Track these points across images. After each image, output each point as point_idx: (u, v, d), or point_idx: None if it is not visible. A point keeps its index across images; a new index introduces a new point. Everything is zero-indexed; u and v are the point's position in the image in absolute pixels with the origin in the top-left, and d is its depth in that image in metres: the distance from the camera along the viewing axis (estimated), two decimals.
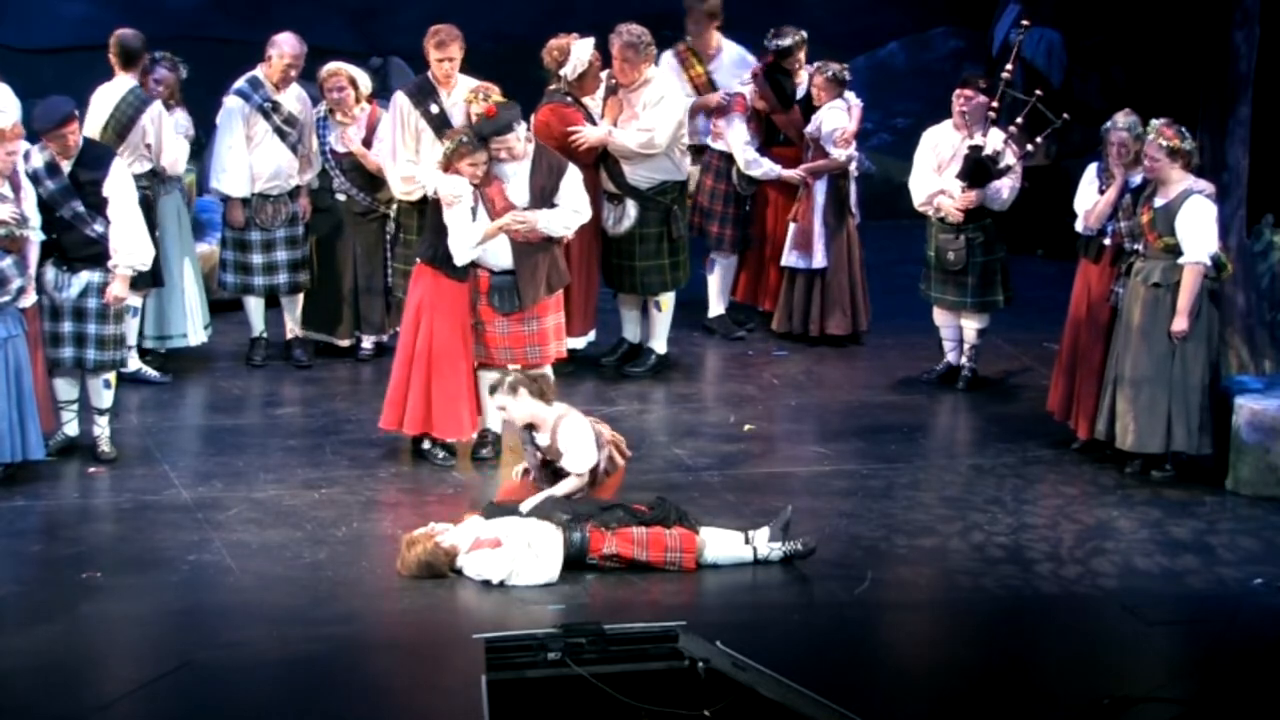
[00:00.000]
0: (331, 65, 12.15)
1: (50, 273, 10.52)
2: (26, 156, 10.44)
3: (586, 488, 9.83)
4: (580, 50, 11.82)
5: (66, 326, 10.58)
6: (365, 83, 12.20)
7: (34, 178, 10.40)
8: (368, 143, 12.04)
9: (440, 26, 11.52)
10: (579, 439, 9.84)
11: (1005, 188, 11.84)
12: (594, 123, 11.93)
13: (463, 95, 11.28)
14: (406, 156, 11.48)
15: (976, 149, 11.72)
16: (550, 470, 9.89)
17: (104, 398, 10.76)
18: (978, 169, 11.73)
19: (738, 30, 13.17)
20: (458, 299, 10.61)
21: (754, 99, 12.82)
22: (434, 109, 11.46)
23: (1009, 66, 11.95)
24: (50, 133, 10.42)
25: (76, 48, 14.32)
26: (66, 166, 10.48)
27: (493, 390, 9.98)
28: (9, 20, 14.63)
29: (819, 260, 12.84)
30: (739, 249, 13.10)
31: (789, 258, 12.97)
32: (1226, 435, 10.69)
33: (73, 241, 10.50)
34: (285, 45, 12.06)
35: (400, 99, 11.55)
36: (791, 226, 12.96)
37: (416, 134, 11.47)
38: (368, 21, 15.23)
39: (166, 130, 11.70)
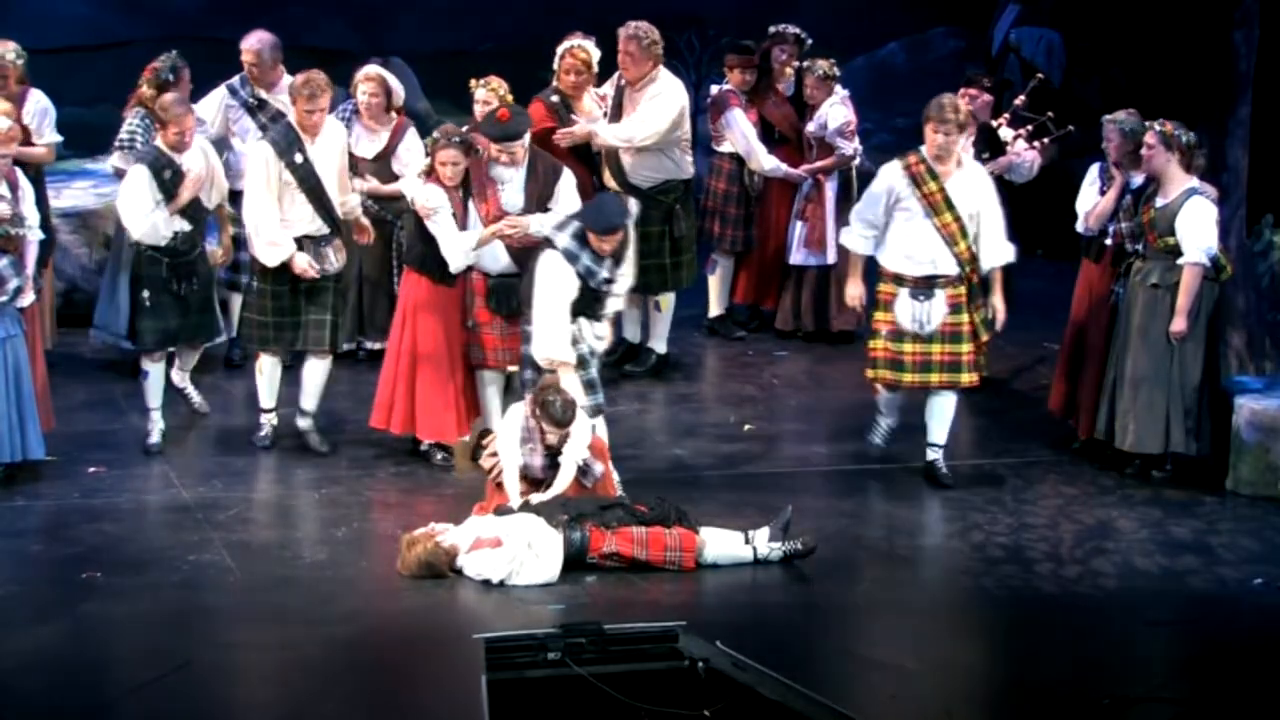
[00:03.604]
0: (369, 70, 12.00)
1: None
2: (573, 258, 10.03)
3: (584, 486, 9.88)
4: (563, 45, 11.87)
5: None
6: (398, 94, 12.03)
7: (588, 273, 10.06)
8: (389, 151, 11.96)
9: (313, 76, 10.74)
10: (586, 425, 9.91)
11: (1029, 160, 11.86)
12: (568, 123, 11.90)
13: (328, 142, 10.81)
14: (270, 214, 10.68)
15: (987, 125, 11.80)
16: (551, 461, 9.88)
17: None
18: (991, 137, 11.77)
19: (737, 30, 13.19)
20: (444, 303, 10.62)
21: (737, 85, 12.85)
22: (299, 159, 10.72)
23: (1022, 97, 12.02)
24: (603, 237, 10.02)
25: (76, 48, 14.34)
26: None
27: (565, 423, 9.72)
28: (9, 20, 14.65)
29: (832, 257, 12.88)
30: (744, 249, 13.11)
31: (797, 256, 12.99)
32: (1226, 435, 10.70)
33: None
34: (243, 43, 12.07)
35: (265, 150, 10.78)
36: (798, 225, 12.98)
37: (280, 186, 10.74)
38: (368, 22, 15.24)
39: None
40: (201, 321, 11.09)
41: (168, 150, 10.75)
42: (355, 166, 12.00)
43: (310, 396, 11.01)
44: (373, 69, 12.00)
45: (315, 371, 10.98)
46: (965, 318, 10.49)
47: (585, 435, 9.88)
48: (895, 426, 10.92)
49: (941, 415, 10.69)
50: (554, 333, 10.11)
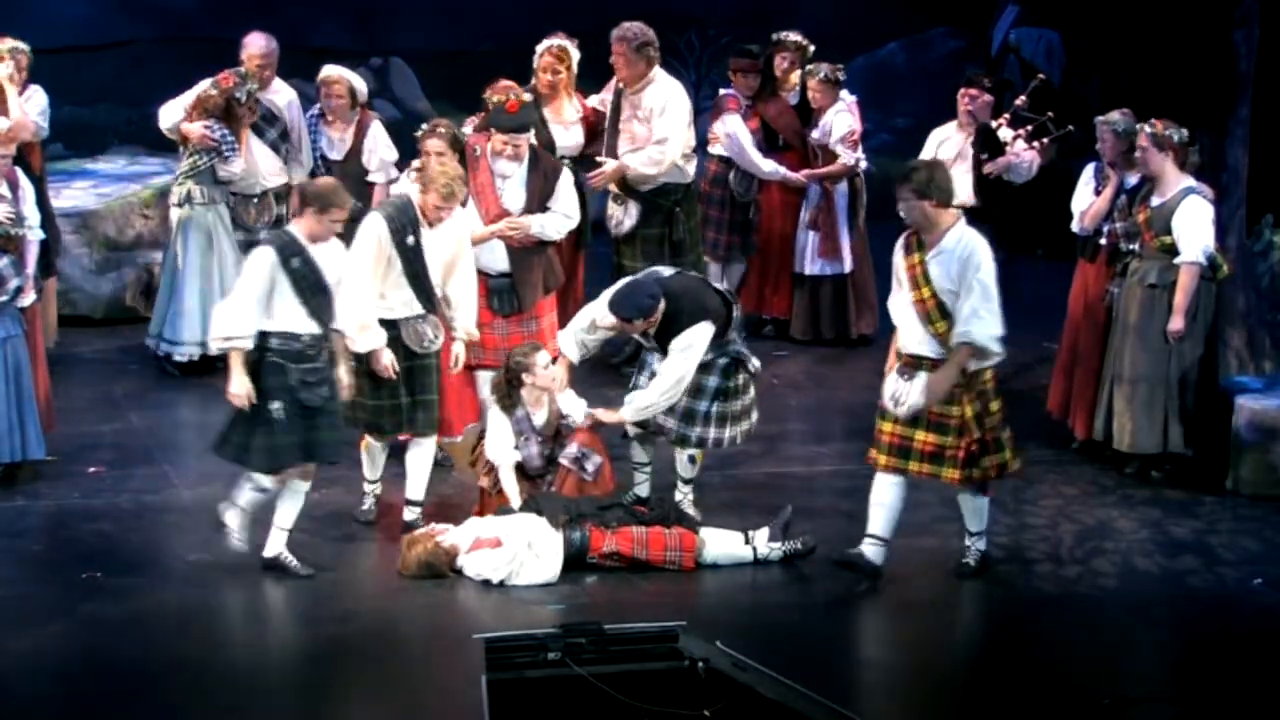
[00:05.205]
0: (331, 72, 12.02)
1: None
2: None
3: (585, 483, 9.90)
4: (542, 44, 11.89)
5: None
6: (362, 91, 12.07)
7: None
8: (356, 149, 11.96)
9: (454, 176, 9.81)
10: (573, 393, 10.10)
11: (1028, 160, 11.88)
12: (538, 115, 11.87)
13: (447, 229, 9.99)
14: (368, 294, 9.75)
15: (987, 126, 11.83)
16: (548, 456, 9.92)
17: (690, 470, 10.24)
18: (989, 138, 11.78)
19: (737, 29, 13.19)
20: None
21: (741, 89, 12.86)
22: (410, 241, 9.87)
23: (1022, 97, 12.04)
24: (622, 322, 9.80)
25: (76, 48, 14.30)
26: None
27: (526, 368, 9.92)
28: (9, 20, 14.63)
29: (848, 265, 12.88)
30: (727, 255, 13.04)
31: (813, 266, 12.96)
32: (1226, 435, 10.70)
33: None
34: (251, 46, 12.08)
35: (379, 226, 9.82)
36: (810, 235, 12.96)
37: (388, 264, 9.86)
38: (368, 22, 15.24)
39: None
40: (326, 439, 9.42)
41: (302, 238, 9.31)
42: (330, 170, 11.95)
43: (419, 485, 10.04)
44: (334, 71, 12.00)
45: (423, 456, 10.05)
46: (954, 410, 9.26)
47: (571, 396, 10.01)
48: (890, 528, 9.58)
49: (966, 508, 9.61)
50: (567, 329, 10.18)
